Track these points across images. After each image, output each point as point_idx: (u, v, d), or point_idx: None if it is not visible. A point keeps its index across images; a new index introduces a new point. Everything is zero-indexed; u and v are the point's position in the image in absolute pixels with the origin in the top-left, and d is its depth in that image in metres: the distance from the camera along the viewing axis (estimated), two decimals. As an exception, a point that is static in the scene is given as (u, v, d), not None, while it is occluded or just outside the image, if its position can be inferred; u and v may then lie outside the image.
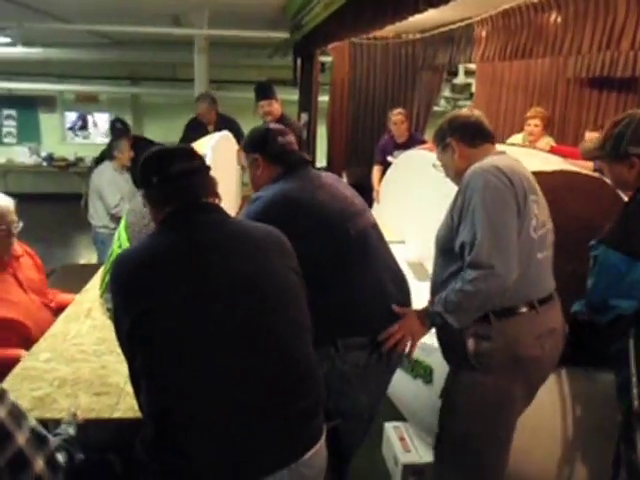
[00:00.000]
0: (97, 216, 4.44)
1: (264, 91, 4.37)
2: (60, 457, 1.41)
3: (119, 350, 1.43)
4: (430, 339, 2.41)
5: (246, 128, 7.77)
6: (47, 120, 9.47)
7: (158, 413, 1.31)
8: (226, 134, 3.77)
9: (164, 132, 7.59)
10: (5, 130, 9.40)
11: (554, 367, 1.98)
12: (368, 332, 1.85)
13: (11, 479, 1.31)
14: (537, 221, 1.81)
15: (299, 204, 1.84)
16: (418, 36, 6.09)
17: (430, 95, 6.40)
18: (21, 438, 1.30)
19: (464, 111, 2.13)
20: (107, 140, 8.90)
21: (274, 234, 1.53)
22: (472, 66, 6.54)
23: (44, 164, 9.18)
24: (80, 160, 9.22)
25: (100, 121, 10.69)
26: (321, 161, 6.87)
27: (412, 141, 5.04)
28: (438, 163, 2.08)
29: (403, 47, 6.35)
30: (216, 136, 3.26)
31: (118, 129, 5.24)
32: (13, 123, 9.38)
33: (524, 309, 1.80)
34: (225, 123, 4.73)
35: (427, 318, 1.86)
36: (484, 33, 4.76)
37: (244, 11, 4.89)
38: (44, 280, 2.56)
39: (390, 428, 2.85)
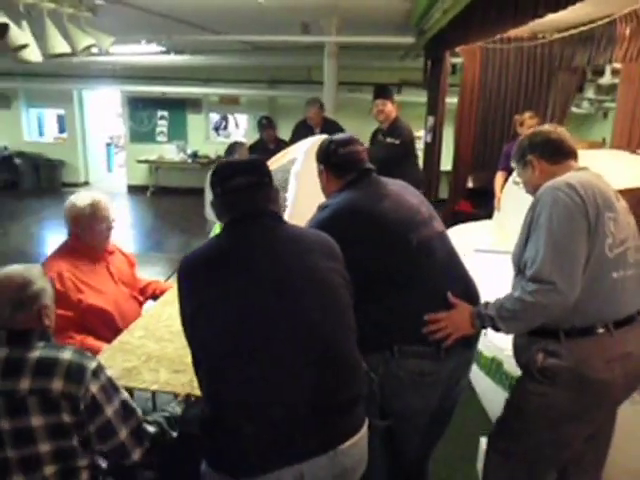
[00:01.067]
0: (211, 212, 4.77)
1: (380, 91, 4.65)
2: (150, 428, 1.62)
3: None
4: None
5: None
6: (193, 120, 10.29)
7: (212, 395, 1.47)
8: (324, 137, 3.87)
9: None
10: (158, 129, 10.38)
11: (629, 392, 1.88)
12: (427, 342, 1.86)
13: (98, 444, 1.54)
14: (613, 239, 1.76)
15: (362, 214, 1.90)
16: (555, 36, 5.75)
17: (566, 98, 6.01)
18: (109, 410, 1.53)
19: (546, 127, 2.07)
20: (245, 139, 9.50)
21: (322, 238, 1.65)
22: (619, 65, 6.04)
23: (189, 161, 9.99)
24: (220, 158, 9.91)
25: (241, 121, 11.41)
26: (446, 165, 6.76)
27: None
28: (518, 180, 2.03)
29: (538, 47, 6.03)
30: (313, 139, 3.34)
31: (263, 124, 5.90)
32: (165, 123, 10.32)
33: (599, 330, 1.76)
34: (330, 126, 5.00)
35: (477, 319, 1.87)
36: (627, 30, 4.39)
37: (371, 17, 4.97)
38: (135, 274, 2.80)
39: (485, 442, 2.78)
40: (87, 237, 2.49)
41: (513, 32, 5.26)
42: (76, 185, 10.90)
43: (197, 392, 1.78)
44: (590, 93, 7.48)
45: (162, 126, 10.33)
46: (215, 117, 10.64)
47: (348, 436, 1.49)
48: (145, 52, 8.00)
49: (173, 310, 2.41)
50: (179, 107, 10.14)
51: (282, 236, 1.61)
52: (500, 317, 1.79)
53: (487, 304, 1.87)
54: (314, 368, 1.47)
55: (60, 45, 3.48)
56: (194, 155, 10.03)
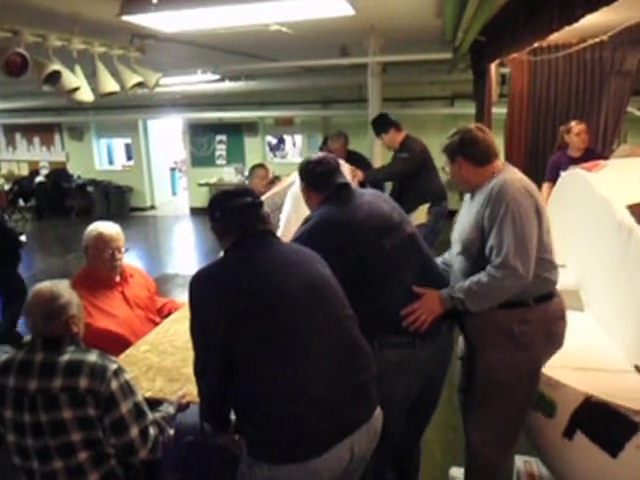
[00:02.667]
0: None
1: (374, 129, 4.98)
2: (152, 430, 1.79)
3: None
4: (557, 375, 2.33)
5: (433, 144, 8.03)
6: (250, 143, 10.65)
7: (259, 393, 1.65)
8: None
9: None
10: (217, 153, 10.80)
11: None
12: (404, 332, 2.08)
13: (111, 437, 1.73)
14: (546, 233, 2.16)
15: (338, 224, 2.13)
16: (604, 38, 5.59)
17: (620, 103, 5.79)
18: (124, 408, 1.75)
19: (475, 132, 2.23)
20: (301, 159, 9.68)
21: (312, 251, 1.86)
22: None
23: (246, 182, 10.28)
24: (277, 178, 10.15)
25: (297, 142, 11.68)
26: (498, 175, 6.68)
27: (589, 155, 4.63)
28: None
29: (588, 52, 5.86)
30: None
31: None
32: (223, 147, 10.74)
33: (554, 295, 2.19)
34: (353, 157, 5.12)
35: (446, 301, 2.14)
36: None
37: (408, 35, 5.04)
38: (153, 297, 2.94)
39: (521, 462, 2.76)
40: (96, 263, 2.66)
41: (561, 38, 5.17)
42: (143, 209, 11.51)
43: (189, 398, 2.03)
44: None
45: (221, 150, 10.75)
46: (271, 139, 10.95)
47: (375, 406, 1.78)
48: (202, 81, 8.39)
49: (179, 327, 2.60)
50: (236, 131, 10.53)
51: (283, 249, 1.82)
52: (469, 298, 2.09)
53: (454, 288, 2.15)
54: (345, 355, 1.72)
55: (110, 85, 3.78)
56: (251, 176, 10.34)
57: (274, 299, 1.66)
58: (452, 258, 2.34)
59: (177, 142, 12.73)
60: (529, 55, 5.60)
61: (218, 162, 10.78)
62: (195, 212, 10.93)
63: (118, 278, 2.75)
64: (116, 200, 11.24)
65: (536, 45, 5.08)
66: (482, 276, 2.05)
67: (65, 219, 11.00)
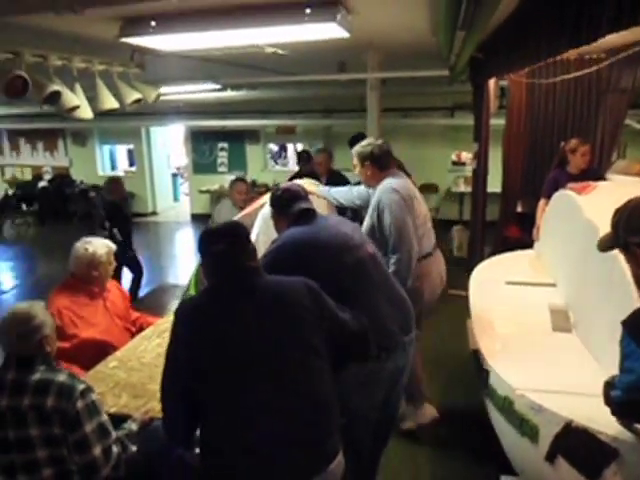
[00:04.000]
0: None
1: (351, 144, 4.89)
2: (115, 449, 1.86)
3: None
4: (540, 398, 2.38)
5: (433, 154, 8.10)
6: (252, 151, 10.71)
7: (210, 429, 1.71)
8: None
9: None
10: (219, 160, 10.88)
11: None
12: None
13: (75, 454, 1.79)
14: (418, 214, 3.08)
15: (303, 243, 2.31)
16: (602, 56, 5.63)
17: (616, 119, 5.83)
18: (88, 427, 1.83)
19: (376, 144, 3.19)
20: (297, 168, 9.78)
21: (297, 287, 1.88)
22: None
23: (249, 184, 10.37)
24: (277, 185, 10.22)
25: (299, 150, 11.71)
26: (495, 186, 6.72)
27: (588, 173, 4.63)
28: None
29: (586, 68, 5.91)
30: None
31: (304, 158, 6.25)
32: (225, 154, 10.81)
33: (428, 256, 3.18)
34: (335, 177, 5.12)
35: None
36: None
37: (407, 51, 5.09)
38: (128, 307, 3.14)
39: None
40: (85, 279, 2.86)
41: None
42: (145, 215, 11.58)
43: (152, 414, 2.11)
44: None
45: (223, 157, 10.82)
46: (273, 147, 11.02)
47: (331, 457, 1.76)
48: (204, 90, 8.45)
49: (148, 344, 2.72)
50: (238, 139, 10.60)
51: (262, 295, 1.82)
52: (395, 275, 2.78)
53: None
54: (299, 411, 1.72)
55: (109, 101, 3.84)
56: (252, 184, 10.41)
57: (235, 353, 1.71)
58: None
59: (179, 148, 12.81)
60: (527, 77, 5.65)
61: (220, 169, 10.86)
62: (196, 218, 10.99)
63: (100, 290, 2.93)
64: (118, 206, 11.28)
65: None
66: (391, 267, 2.89)
67: (67, 224, 11.07)
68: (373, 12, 3.48)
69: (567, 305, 3.33)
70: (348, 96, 9.18)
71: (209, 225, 2.08)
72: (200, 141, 10.84)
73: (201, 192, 10.66)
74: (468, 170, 9.45)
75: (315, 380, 1.79)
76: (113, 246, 3.01)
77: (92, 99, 3.81)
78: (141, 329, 3.07)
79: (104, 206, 5.60)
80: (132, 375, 2.45)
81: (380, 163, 3.09)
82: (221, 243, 1.83)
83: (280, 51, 3.83)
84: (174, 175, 12.87)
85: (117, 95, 3.97)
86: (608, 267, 2.65)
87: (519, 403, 2.47)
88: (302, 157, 6.42)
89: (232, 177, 10.48)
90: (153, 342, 2.78)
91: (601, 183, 3.84)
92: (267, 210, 3.01)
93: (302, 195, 2.49)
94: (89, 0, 2.26)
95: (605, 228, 2.85)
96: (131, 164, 12.16)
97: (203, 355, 1.71)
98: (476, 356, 2.99)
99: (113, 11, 2.95)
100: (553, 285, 3.73)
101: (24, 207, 11.09)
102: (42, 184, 11.46)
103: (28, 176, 11.98)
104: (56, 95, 3.34)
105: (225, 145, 10.76)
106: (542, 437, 2.34)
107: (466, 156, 9.64)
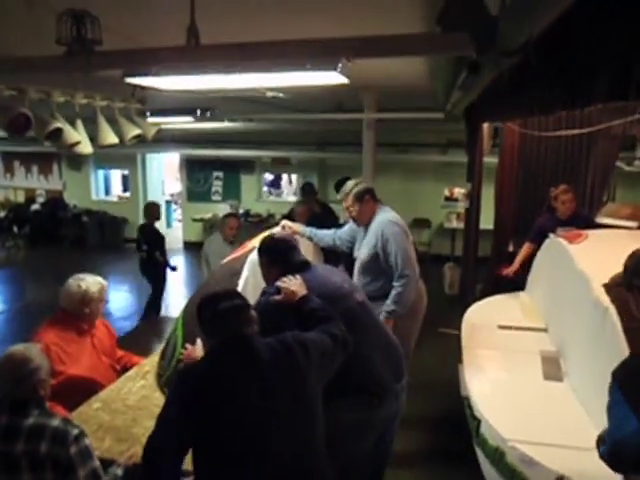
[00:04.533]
0: (203, 276, 5.13)
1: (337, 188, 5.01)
2: None
3: (151, 407, 2.01)
4: (531, 451, 2.38)
5: (426, 189, 8.16)
6: (247, 181, 10.77)
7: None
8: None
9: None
10: (214, 189, 10.92)
11: None
12: (361, 392, 2.32)
13: None
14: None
15: None
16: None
17: (606, 163, 5.95)
18: (82, 473, 1.84)
19: (366, 183, 3.73)
20: (295, 199, 9.86)
21: (290, 346, 1.92)
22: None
23: (241, 219, 10.40)
24: (271, 216, 10.27)
25: (293, 180, 11.80)
26: (487, 222, 6.80)
27: (577, 219, 4.71)
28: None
29: (577, 114, 6.05)
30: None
31: (307, 191, 6.44)
32: (220, 183, 10.86)
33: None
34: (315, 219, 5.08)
35: (389, 315, 3.26)
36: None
37: (401, 92, 5.20)
38: (114, 345, 3.12)
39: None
40: (75, 315, 2.84)
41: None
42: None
43: (136, 459, 2.08)
44: (641, 152, 7.34)
45: (217, 186, 10.87)
46: (268, 176, 11.09)
47: None
48: (200, 120, 8.54)
49: (133, 385, 2.71)
50: (233, 168, 10.66)
51: (262, 360, 1.86)
52: (396, 305, 3.28)
53: (384, 308, 3.26)
54: (296, 466, 1.81)
55: (110, 137, 3.89)
56: (246, 214, 10.46)
57: (232, 416, 1.75)
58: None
59: (174, 174, 12.84)
60: (520, 127, 5.76)
61: (214, 198, 10.89)
62: (188, 246, 10.98)
63: (89, 328, 2.91)
64: (111, 231, 11.28)
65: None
66: (395, 291, 3.28)
67: (58, 248, 11.03)
68: (372, 59, 3.56)
69: (558, 352, 3.36)
70: (343, 130, 9.28)
71: (207, 292, 2.15)
72: (195, 169, 10.89)
73: (194, 220, 10.67)
74: (460, 206, 9.54)
75: (311, 449, 1.87)
76: (105, 283, 2.99)
77: (93, 134, 3.85)
78: (125, 368, 3.06)
79: (143, 229, 6.34)
80: (116, 418, 2.43)
81: (375, 196, 3.48)
82: (231, 301, 1.90)
83: (281, 95, 3.91)
84: (168, 202, 12.87)
85: (117, 129, 4.01)
86: (599, 318, 2.69)
87: (511, 455, 2.47)
88: (305, 189, 6.58)
89: (226, 206, 10.60)
90: (137, 384, 2.76)
91: (591, 232, 3.89)
92: (256, 256, 3.10)
93: (296, 246, 2.55)
94: (100, 64, 2.30)
95: (596, 278, 2.92)
96: (125, 189, 12.17)
97: (199, 418, 1.74)
98: (467, 403, 3.01)
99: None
100: (545, 330, 3.76)
101: (15, 230, 11.03)
102: (35, 207, 11.43)
103: (21, 198, 11.95)
104: (58, 132, 3.38)
105: (220, 174, 10.81)
106: (533, 491, 2.34)
107: (459, 192, 9.75)
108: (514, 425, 2.61)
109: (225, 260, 3.40)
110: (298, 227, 3.80)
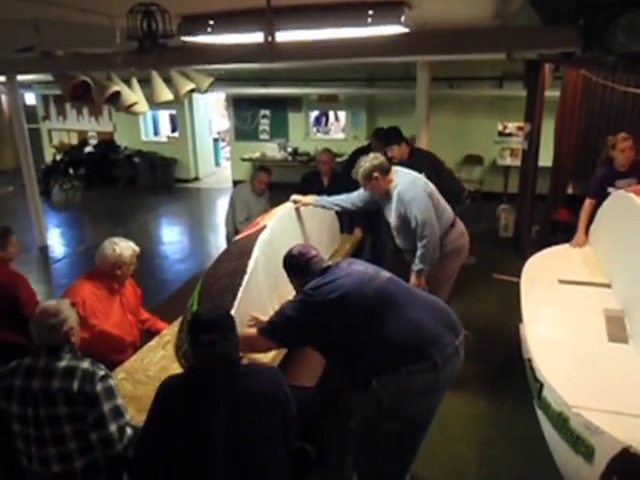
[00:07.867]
0: (227, 222, 5.22)
1: (385, 139, 4.93)
2: (128, 430, 2.20)
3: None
4: (597, 419, 2.37)
5: (479, 124, 7.92)
6: (294, 119, 10.62)
7: None
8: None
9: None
10: (261, 128, 10.84)
11: None
12: (425, 357, 2.36)
13: (92, 431, 2.11)
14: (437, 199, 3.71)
15: (325, 289, 2.45)
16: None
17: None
18: (106, 407, 2.11)
19: (377, 155, 3.67)
20: (343, 136, 9.75)
21: (268, 390, 2.06)
22: None
23: (289, 159, 10.36)
24: (318, 152, 10.16)
25: (341, 117, 11.55)
26: (545, 159, 6.57)
27: (637, 169, 4.47)
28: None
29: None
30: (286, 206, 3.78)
31: (378, 135, 5.67)
32: (267, 122, 10.76)
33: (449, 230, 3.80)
34: (338, 179, 5.07)
35: (418, 274, 3.62)
36: None
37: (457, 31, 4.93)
38: (139, 304, 3.33)
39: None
40: (109, 275, 3.07)
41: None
42: (187, 181, 11.72)
43: None
44: None
45: (264, 124, 10.77)
46: (315, 113, 10.89)
47: None
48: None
49: (154, 356, 2.84)
50: (280, 106, 10.51)
51: (232, 398, 1.99)
52: (424, 264, 3.59)
53: (413, 267, 3.64)
54: None
55: (164, 94, 3.87)
56: (294, 152, 10.39)
57: (194, 453, 1.90)
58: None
59: (220, 111, 12.79)
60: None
61: (262, 137, 10.83)
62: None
63: (119, 288, 3.13)
64: (161, 171, 11.45)
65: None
66: (419, 251, 3.58)
67: (112, 189, 11.32)
68: (433, 5, 3.39)
69: (623, 311, 3.29)
70: (392, 65, 8.97)
71: (199, 311, 2.30)
72: (242, 108, 10.78)
73: (243, 160, 10.69)
74: (515, 142, 9.21)
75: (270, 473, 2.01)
76: (137, 249, 3.17)
77: (148, 92, 3.83)
78: (148, 331, 3.27)
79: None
80: (138, 388, 2.58)
81: (384, 168, 3.58)
82: (210, 334, 2.01)
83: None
84: (215, 140, 12.91)
85: (172, 87, 3.98)
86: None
87: (574, 421, 2.46)
88: (377, 134, 6.30)
89: (274, 145, 10.55)
90: (158, 354, 2.89)
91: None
92: (267, 235, 3.20)
93: (314, 255, 2.65)
94: (174, 60, 2.27)
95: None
96: (173, 130, 12.23)
97: (171, 438, 1.93)
98: (529, 365, 3.00)
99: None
100: (608, 286, 3.68)
101: (71, 172, 11.33)
102: (88, 149, 11.65)
103: (74, 141, 12.19)
104: (116, 95, 3.38)
105: (267, 112, 10.69)
106: (598, 458, 2.33)
107: (513, 126, 9.37)
108: (578, 390, 2.58)
109: (237, 237, 3.48)
110: (308, 199, 3.86)
